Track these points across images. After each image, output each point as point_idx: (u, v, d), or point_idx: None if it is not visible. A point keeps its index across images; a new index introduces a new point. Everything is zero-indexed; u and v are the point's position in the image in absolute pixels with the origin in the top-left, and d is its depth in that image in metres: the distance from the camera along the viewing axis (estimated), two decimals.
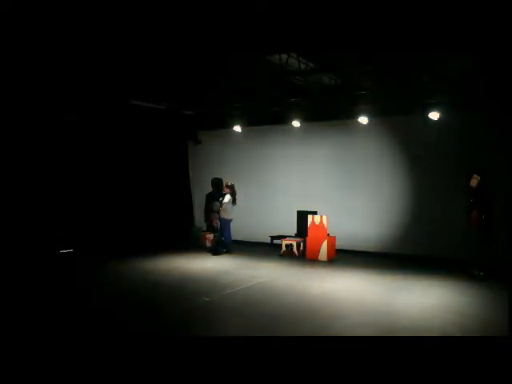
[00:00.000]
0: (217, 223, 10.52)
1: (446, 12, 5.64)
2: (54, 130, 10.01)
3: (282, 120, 10.97)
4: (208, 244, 11.32)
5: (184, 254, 10.35)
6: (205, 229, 12.17)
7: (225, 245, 10.43)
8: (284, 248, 10.23)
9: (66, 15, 5.83)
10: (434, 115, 8.75)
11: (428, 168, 9.79)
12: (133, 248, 10.57)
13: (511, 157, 8.43)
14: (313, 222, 9.80)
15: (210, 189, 10.98)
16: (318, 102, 10.29)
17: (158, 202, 12.08)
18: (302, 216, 10.32)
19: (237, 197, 10.42)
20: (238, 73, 8.71)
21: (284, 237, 10.58)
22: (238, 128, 11.41)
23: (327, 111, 10.49)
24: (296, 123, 10.52)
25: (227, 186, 10.40)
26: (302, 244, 10.15)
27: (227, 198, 10.29)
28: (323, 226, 9.67)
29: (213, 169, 12.05)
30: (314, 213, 10.00)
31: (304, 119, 10.48)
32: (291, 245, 10.14)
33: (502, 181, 8.37)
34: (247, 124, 11.42)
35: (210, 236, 11.20)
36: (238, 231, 11.13)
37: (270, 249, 10.82)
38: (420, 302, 6.12)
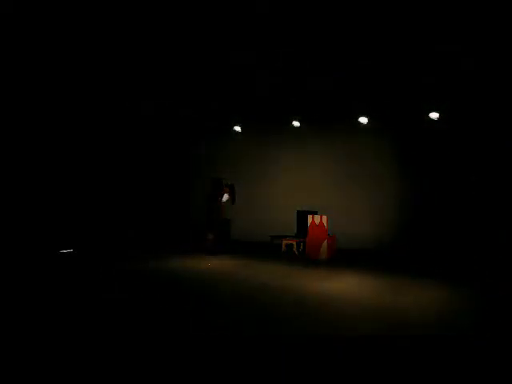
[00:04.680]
0: (218, 223, 10.53)
1: (446, 11, 5.65)
2: (56, 131, 10.01)
3: (281, 120, 10.98)
4: (208, 244, 11.32)
5: (183, 254, 10.33)
6: (204, 229, 12.14)
7: (224, 245, 10.43)
8: (284, 248, 10.23)
9: (64, 15, 5.83)
10: (434, 115, 8.77)
11: (427, 168, 9.80)
12: (131, 249, 10.55)
13: (511, 157, 8.45)
14: (313, 221, 9.81)
15: (209, 189, 10.99)
16: (318, 102, 10.30)
17: (157, 202, 12.08)
18: (302, 216, 10.33)
19: (236, 197, 10.43)
20: (238, 73, 8.72)
21: (284, 237, 10.59)
22: (237, 128, 11.42)
23: (327, 111, 10.49)
24: (296, 123, 10.53)
25: (226, 186, 10.42)
26: (302, 244, 10.15)
27: (225, 197, 10.31)
28: (323, 225, 9.68)
29: (213, 169, 12.05)
30: (314, 213, 10.02)
31: (304, 119, 10.49)
32: (291, 245, 10.14)
33: (502, 181, 8.38)
34: (247, 124, 11.42)
35: (210, 236, 11.19)
36: (238, 231, 11.13)
37: (270, 249, 10.82)
38: (419, 302, 6.11)
